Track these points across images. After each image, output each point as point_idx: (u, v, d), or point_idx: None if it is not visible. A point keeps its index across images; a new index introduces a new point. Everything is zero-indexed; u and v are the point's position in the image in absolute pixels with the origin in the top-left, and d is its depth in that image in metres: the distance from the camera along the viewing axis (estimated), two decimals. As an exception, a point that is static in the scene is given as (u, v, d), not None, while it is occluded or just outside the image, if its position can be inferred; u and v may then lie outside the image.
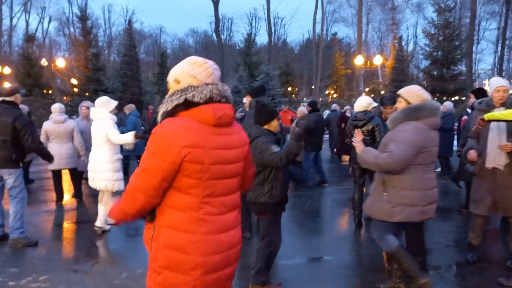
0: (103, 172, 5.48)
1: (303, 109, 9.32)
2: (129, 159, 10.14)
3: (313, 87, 43.28)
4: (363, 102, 5.92)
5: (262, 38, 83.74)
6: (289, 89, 31.57)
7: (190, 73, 1.94)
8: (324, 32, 45.95)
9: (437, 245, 5.12)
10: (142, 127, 10.34)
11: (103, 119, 5.45)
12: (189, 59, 2.01)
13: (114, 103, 5.69)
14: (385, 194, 3.45)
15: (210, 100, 1.91)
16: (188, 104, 1.89)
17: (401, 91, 3.63)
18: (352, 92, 36.88)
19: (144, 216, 1.97)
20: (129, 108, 10.61)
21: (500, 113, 3.91)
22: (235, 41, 60.23)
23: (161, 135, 1.84)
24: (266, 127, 3.73)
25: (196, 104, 1.89)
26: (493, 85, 4.27)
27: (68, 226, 6.18)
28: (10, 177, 5.04)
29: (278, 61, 40.41)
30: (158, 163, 1.82)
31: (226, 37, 60.42)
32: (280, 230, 3.88)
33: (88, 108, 7.26)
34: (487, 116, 3.98)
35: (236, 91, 22.53)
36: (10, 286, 3.99)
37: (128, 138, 5.37)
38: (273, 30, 49.21)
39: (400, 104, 3.56)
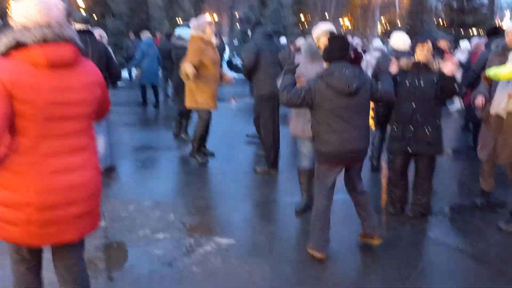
0: None
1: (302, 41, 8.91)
2: (145, 88, 10.22)
3: (326, 16, 41.69)
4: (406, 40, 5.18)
5: (275, -38, 79.40)
6: (302, 18, 30.37)
7: (20, 11, 1.87)
8: (342, -43, 43.30)
9: (440, 186, 5.07)
10: (158, 57, 9.84)
11: None
12: None
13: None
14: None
15: (43, 42, 1.85)
16: (20, 46, 1.84)
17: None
18: (367, 23, 35.49)
19: None
20: (143, 34, 10.40)
21: (499, 73, 3.77)
22: (247, -35, 57.18)
23: None
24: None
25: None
26: (506, 28, 4.10)
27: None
28: None
29: (291, -13, 38.59)
30: None
31: (238, -40, 57.30)
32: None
33: (100, 36, 6.71)
34: (488, 74, 3.88)
35: (246, 20, 21.78)
36: None
37: None
38: (287, -47, 46.44)
39: None
